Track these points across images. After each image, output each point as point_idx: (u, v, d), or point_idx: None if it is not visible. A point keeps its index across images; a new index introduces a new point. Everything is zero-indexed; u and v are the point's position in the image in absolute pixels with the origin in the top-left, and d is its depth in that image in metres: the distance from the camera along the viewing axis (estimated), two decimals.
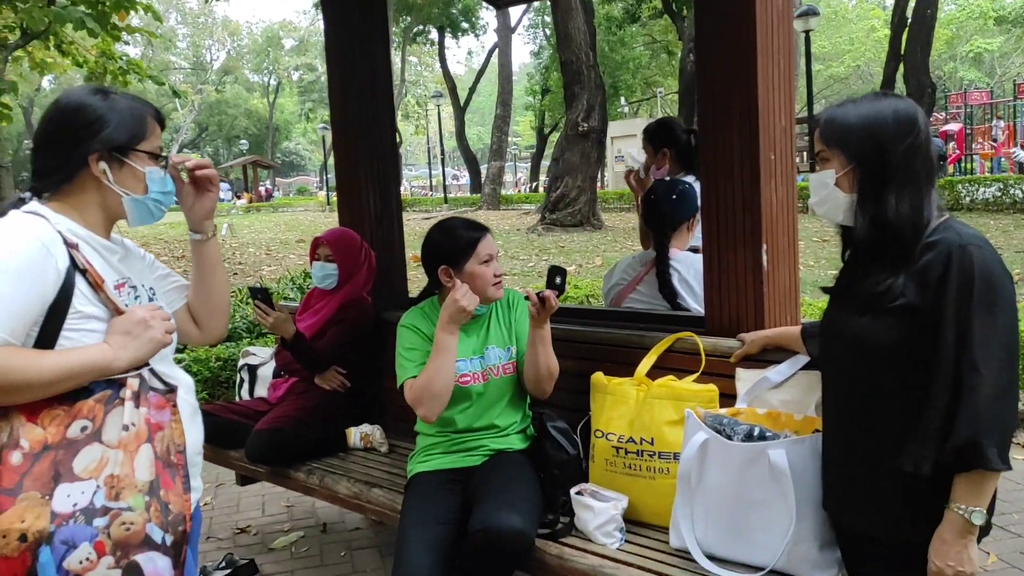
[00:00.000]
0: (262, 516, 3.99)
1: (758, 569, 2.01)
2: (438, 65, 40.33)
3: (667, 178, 3.39)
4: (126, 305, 1.61)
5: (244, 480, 3.53)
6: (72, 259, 1.52)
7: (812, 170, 1.81)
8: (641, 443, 2.38)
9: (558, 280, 2.42)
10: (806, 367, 2.24)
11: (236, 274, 11.95)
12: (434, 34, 35.11)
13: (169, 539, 1.48)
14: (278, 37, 57.97)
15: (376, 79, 3.73)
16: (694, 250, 3.08)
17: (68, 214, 1.59)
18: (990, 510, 1.60)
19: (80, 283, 1.53)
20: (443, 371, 2.39)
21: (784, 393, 2.26)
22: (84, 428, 1.46)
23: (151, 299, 1.72)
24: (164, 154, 1.70)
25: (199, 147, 63.80)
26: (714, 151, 2.49)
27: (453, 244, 2.54)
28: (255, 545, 3.64)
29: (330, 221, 21.39)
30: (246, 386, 3.81)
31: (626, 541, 2.30)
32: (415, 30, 34.81)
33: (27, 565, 1.36)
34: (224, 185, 53.86)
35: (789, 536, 1.94)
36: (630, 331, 2.73)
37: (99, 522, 1.41)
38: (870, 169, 1.67)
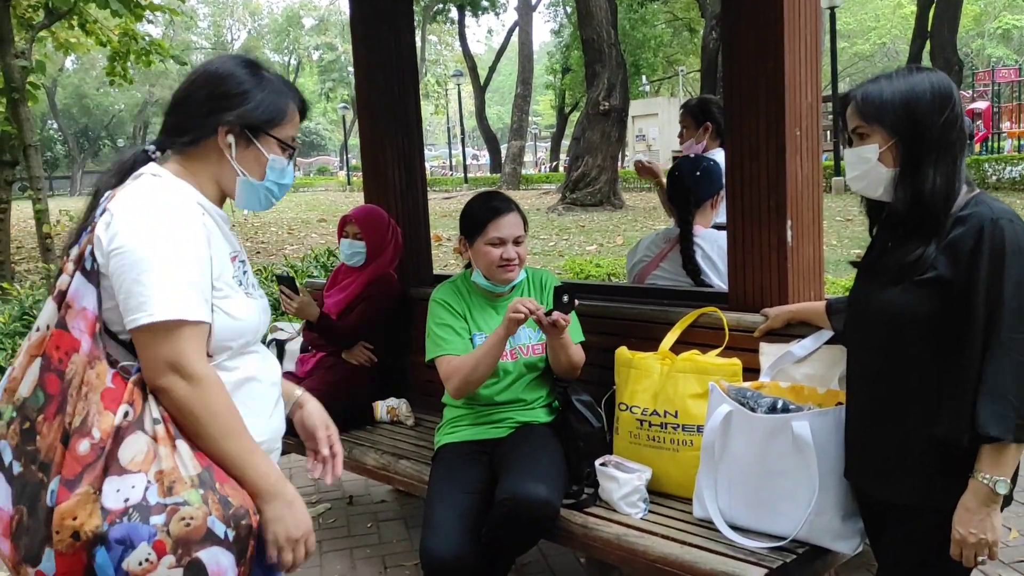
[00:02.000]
0: None
1: (780, 539, 2.04)
2: (458, 44, 40.17)
3: (704, 153, 3.41)
4: (238, 277, 1.56)
5: None
6: None
7: (845, 147, 1.82)
8: (665, 416, 2.41)
9: (565, 299, 2.35)
10: (830, 342, 2.26)
11: (259, 253, 12.06)
12: (454, 12, 34.91)
13: (232, 534, 1.37)
14: (298, 16, 57.92)
15: (401, 56, 3.76)
16: (718, 227, 3.10)
17: (186, 179, 1.52)
18: (1013, 480, 1.63)
19: None
20: (486, 364, 2.45)
21: (808, 367, 2.28)
22: (127, 413, 1.36)
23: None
24: (295, 145, 1.63)
25: None
26: (740, 127, 2.50)
27: (471, 217, 2.60)
28: None
29: (350, 200, 21.48)
30: None
31: (650, 511, 2.33)
32: (435, 8, 34.65)
33: (83, 563, 1.30)
34: None
35: (812, 506, 1.97)
36: (654, 307, 2.75)
37: (156, 520, 1.31)
38: (911, 143, 1.68)
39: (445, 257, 10.12)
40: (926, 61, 22.90)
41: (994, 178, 15.90)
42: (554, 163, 37.68)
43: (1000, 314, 1.57)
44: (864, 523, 1.97)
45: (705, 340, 2.54)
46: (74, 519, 1.29)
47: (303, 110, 1.64)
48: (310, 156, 62.05)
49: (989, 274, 1.58)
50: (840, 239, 10.35)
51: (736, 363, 2.39)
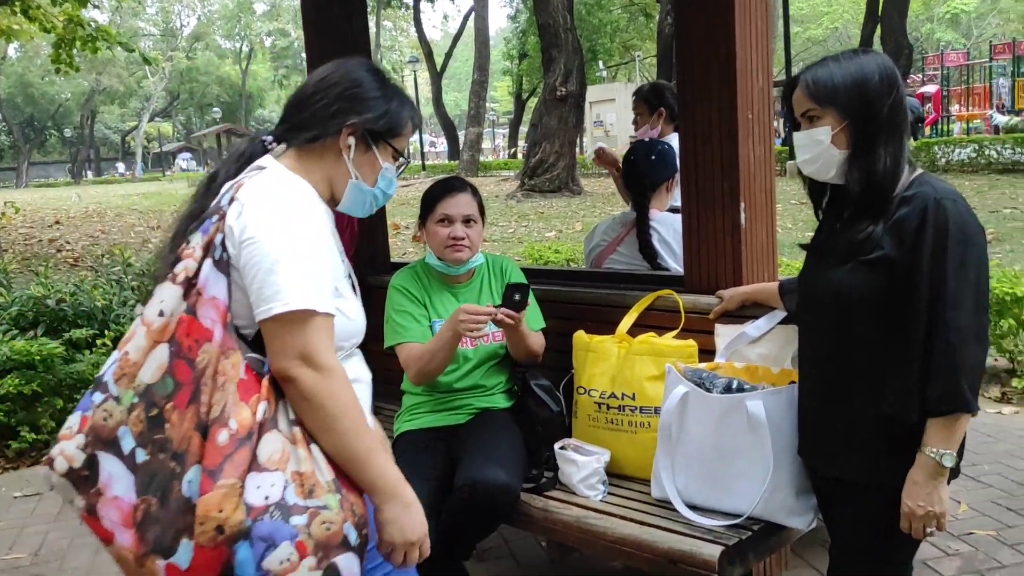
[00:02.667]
0: None
1: (736, 516, 2.08)
2: (413, 30, 39.82)
3: (659, 138, 3.44)
4: (348, 277, 1.60)
5: None
6: None
7: (795, 130, 1.83)
8: (623, 398, 2.43)
9: (516, 298, 2.36)
10: (783, 322, 2.29)
11: None
12: None
13: (358, 541, 1.39)
14: (249, 2, 56.89)
15: (354, 41, 3.71)
16: (674, 210, 3.13)
17: (302, 175, 1.54)
18: (959, 453, 1.67)
19: None
20: (440, 358, 2.46)
21: (762, 347, 2.32)
22: (265, 411, 1.37)
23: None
24: (405, 159, 1.67)
25: (171, 115, 62.74)
26: (692, 111, 2.52)
27: (425, 199, 2.63)
28: None
29: None
30: None
31: (609, 493, 2.36)
32: None
33: (223, 558, 1.29)
34: (185, 154, 52.85)
35: (767, 484, 2.00)
36: (611, 291, 2.77)
37: (297, 520, 1.32)
38: (863, 124, 1.71)
39: (403, 245, 10.07)
40: (877, 45, 23.28)
41: (943, 160, 16.23)
42: (512, 150, 37.62)
43: (943, 293, 1.60)
44: (817, 499, 2.01)
45: (661, 323, 2.56)
46: (220, 512, 1.29)
47: (416, 125, 1.68)
48: None
49: (932, 254, 1.61)
50: (795, 222, 10.50)
51: (692, 345, 2.41)
